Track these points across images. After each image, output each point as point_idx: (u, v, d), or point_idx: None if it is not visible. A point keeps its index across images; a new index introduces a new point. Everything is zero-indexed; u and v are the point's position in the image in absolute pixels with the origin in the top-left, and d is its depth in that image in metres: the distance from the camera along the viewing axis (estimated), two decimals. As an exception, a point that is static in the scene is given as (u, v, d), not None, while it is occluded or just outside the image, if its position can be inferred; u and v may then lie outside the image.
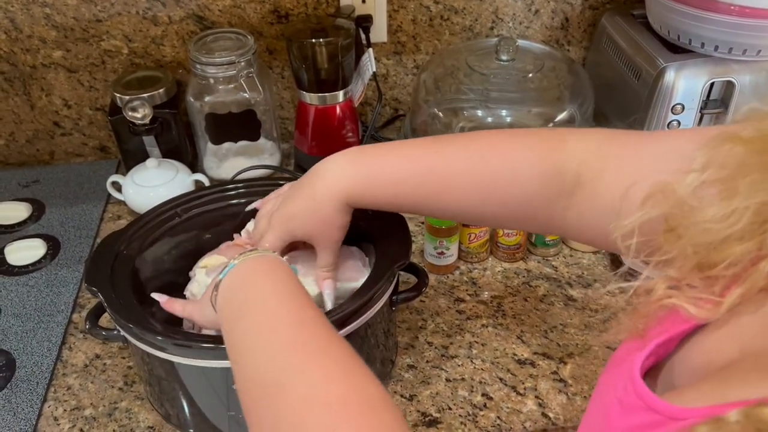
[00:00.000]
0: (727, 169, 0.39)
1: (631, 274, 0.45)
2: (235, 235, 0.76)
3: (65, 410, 0.74)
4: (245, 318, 0.50)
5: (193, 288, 0.75)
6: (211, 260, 0.74)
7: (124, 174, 1.02)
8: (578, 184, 0.55)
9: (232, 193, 0.77)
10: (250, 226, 0.75)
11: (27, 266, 0.93)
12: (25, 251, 0.94)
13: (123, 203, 1.02)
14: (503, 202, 0.58)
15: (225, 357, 0.59)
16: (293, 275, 0.54)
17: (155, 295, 0.66)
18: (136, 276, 0.69)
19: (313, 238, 0.65)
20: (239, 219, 0.78)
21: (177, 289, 0.77)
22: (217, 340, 0.62)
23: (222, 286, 0.54)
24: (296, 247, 0.71)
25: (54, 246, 0.96)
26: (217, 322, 0.55)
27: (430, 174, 0.60)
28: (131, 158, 1.04)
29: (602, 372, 0.47)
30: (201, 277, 0.74)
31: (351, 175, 0.61)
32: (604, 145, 0.55)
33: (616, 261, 0.90)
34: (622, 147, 0.54)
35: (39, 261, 0.93)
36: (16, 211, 1.02)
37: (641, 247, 0.43)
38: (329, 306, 0.66)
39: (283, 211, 0.65)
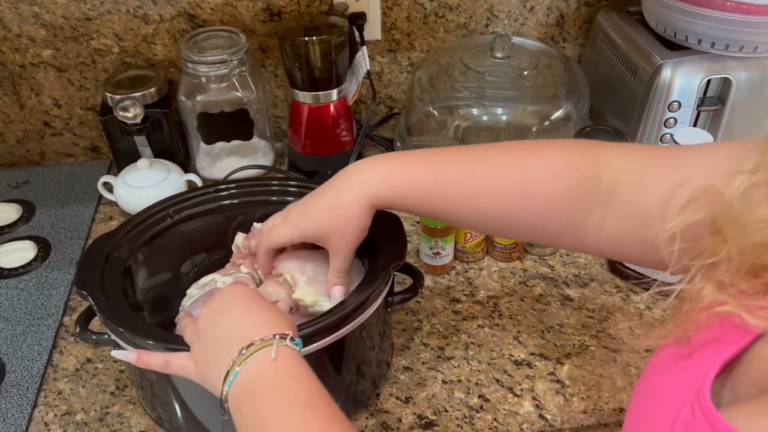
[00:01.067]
0: None
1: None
2: (238, 235, 0.75)
3: (56, 415, 0.73)
4: None
5: (183, 301, 0.75)
6: (205, 278, 0.74)
7: (116, 174, 1.01)
8: (614, 193, 0.54)
9: (225, 193, 0.76)
10: (238, 239, 0.75)
11: (17, 268, 0.91)
12: (15, 253, 0.93)
13: (114, 204, 1.01)
14: (539, 208, 0.57)
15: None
16: (297, 371, 0.50)
17: (116, 353, 0.60)
18: (127, 279, 0.68)
19: (329, 239, 0.62)
20: (234, 222, 0.77)
21: (168, 292, 0.76)
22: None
23: (231, 400, 0.49)
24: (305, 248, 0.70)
25: (44, 248, 0.95)
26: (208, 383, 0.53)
27: (468, 176, 0.58)
28: (123, 158, 1.03)
29: (644, 377, 0.46)
30: (191, 291, 0.74)
31: (382, 176, 0.59)
32: (644, 155, 0.55)
33: (612, 262, 0.90)
34: (662, 155, 0.54)
35: (29, 263, 0.92)
36: (5, 213, 1.00)
37: (685, 252, 0.43)
38: None
39: (303, 207, 0.63)
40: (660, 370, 0.43)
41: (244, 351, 0.49)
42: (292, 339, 0.51)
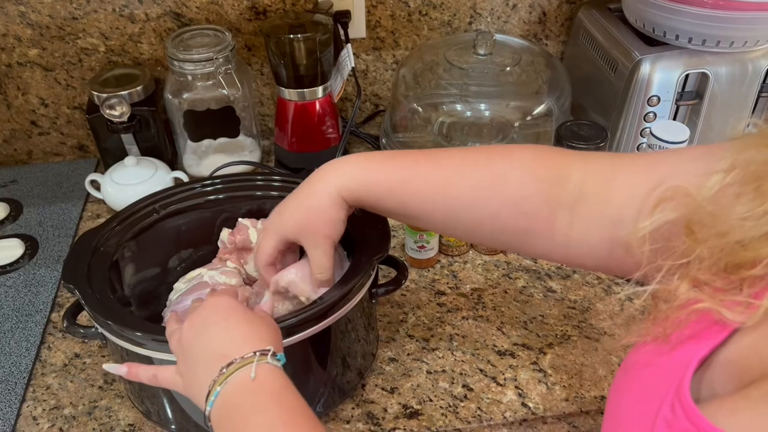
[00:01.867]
0: (754, 169, 0.39)
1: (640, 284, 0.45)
2: (223, 231, 0.76)
3: (44, 410, 0.74)
4: None
5: (170, 295, 0.76)
6: (192, 273, 0.75)
7: (103, 173, 1.01)
8: (583, 195, 0.54)
9: (210, 189, 0.77)
10: (224, 235, 0.75)
11: (5, 266, 0.92)
12: (2, 251, 0.94)
13: (102, 202, 1.02)
14: (506, 202, 0.57)
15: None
16: (278, 390, 0.50)
17: (107, 367, 0.61)
18: (114, 273, 0.69)
19: (304, 234, 0.62)
20: (220, 218, 0.78)
21: (156, 286, 0.77)
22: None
23: (213, 418, 0.50)
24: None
25: (32, 246, 0.95)
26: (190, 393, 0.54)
27: (436, 171, 0.59)
28: (110, 157, 1.04)
29: (623, 372, 0.46)
30: (178, 285, 0.75)
31: (352, 171, 0.60)
32: (613, 158, 0.56)
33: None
34: (632, 158, 0.55)
35: (17, 261, 0.93)
36: (-7, 212, 1.01)
37: (657, 252, 0.43)
38: None
39: (278, 209, 0.64)
40: (640, 365, 0.44)
41: (224, 370, 0.49)
42: (273, 354, 0.50)
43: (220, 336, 0.53)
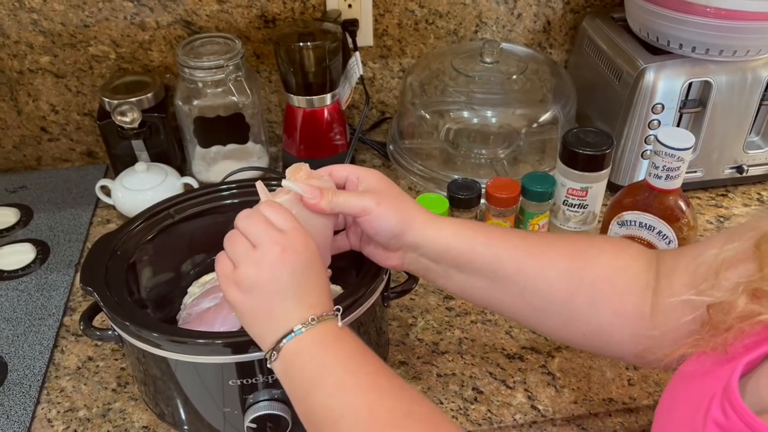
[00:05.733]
0: None
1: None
2: None
3: (59, 412, 0.74)
4: (322, 386, 0.51)
5: (185, 299, 0.77)
6: (206, 277, 0.76)
7: (113, 179, 1.02)
8: (659, 280, 0.56)
9: (225, 193, 0.78)
10: (193, 289, 0.77)
11: (17, 270, 0.92)
12: (14, 256, 0.94)
13: (112, 207, 1.03)
14: (597, 276, 0.57)
15: (220, 353, 0.61)
16: (357, 338, 0.55)
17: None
18: (131, 276, 0.70)
19: None
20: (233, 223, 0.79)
21: (170, 290, 0.78)
22: (212, 336, 0.63)
23: (287, 351, 0.53)
24: None
25: (43, 250, 0.96)
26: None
27: (529, 237, 0.62)
28: (120, 163, 1.05)
29: (675, 383, 0.47)
30: (192, 289, 0.76)
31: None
32: (671, 252, 0.59)
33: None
34: (690, 246, 0.58)
35: (29, 265, 0.93)
36: (3, 216, 1.02)
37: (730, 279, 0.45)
38: None
39: None
40: (696, 377, 0.44)
41: (313, 320, 0.53)
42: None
43: (304, 283, 0.54)
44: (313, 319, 0.53)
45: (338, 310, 0.56)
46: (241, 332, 0.60)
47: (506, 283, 0.59)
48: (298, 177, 0.60)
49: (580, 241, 0.61)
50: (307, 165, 0.61)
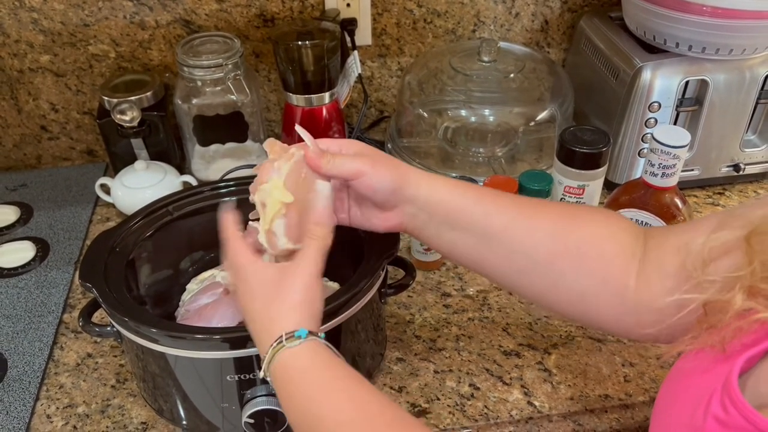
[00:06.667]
0: None
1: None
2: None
3: (58, 408, 0.75)
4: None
5: (183, 296, 0.77)
6: (204, 274, 0.77)
7: (112, 177, 1.03)
8: (646, 253, 0.56)
9: (224, 191, 0.78)
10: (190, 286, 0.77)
11: (16, 268, 0.93)
12: (14, 253, 0.95)
13: (112, 205, 1.03)
14: (583, 241, 0.57)
15: (218, 348, 0.61)
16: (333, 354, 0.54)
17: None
18: (130, 273, 0.70)
19: None
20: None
21: (168, 287, 0.78)
22: (210, 331, 0.63)
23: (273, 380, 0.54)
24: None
25: (43, 248, 0.96)
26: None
27: (517, 200, 0.62)
28: (119, 161, 1.05)
29: (672, 380, 0.47)
30: (191, 286, 0.77)
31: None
32: (666, 226, 0.60)
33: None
34: (684, 223, 0.59)
35: (28, 263, 0.94)
36: (3, 215, 1.02)
37: (711, 266, 0.45)
38: None
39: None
40: (696, 373, 0.44)
41: (273, 345, 0.53)
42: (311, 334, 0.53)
43: (260, 311, 0.55)
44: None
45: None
46: (239, 328, 0.60)
47: (493, 241, 0.59)
48: (275, 150, 0.61)
49: (571, 207, 0.62)
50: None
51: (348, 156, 0.60)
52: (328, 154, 0.59)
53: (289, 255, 0.59)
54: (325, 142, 0.62)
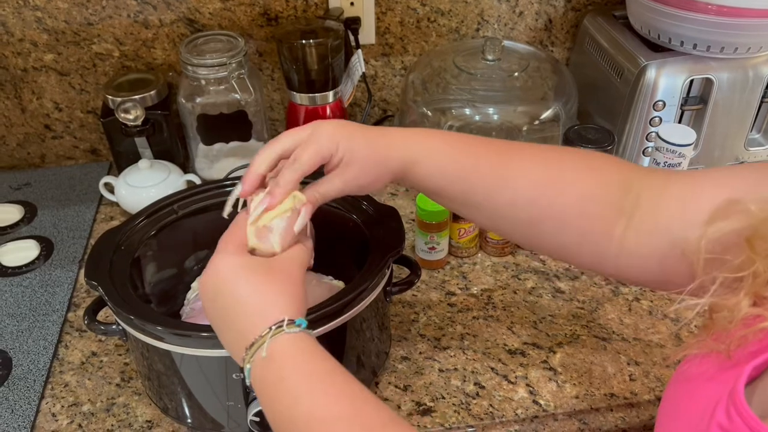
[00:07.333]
0: None
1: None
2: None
3: (63, 406, 0.75)
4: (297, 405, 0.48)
5: (188, 294, 0.77)
6: None
7: (116, 176, 1.03)
8: (638, 205, 0.55)
9: (229, 189, 0.78)
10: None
11: (21, 267, 0.93)
12: (18, 252, 0.95)
13: (116, 204, 1.03)
14: (573, 198, 0.56)
15: (223, 346, 0.61)
16: (294, 355, 0.51)
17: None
18: (135, 271, 0.70)
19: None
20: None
21: (173, 286, 0.78)
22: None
23: (255, 388, 0.51)
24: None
25: (47, 247, 0.96)
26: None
27: (505, 157, 0.59)
28: (123, 160, 1.05)
29: (677, 385, 0.47)
30: (195, 285, 0.77)
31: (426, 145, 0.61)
32: (668, 173, 0.57)
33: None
34: (685, 174, 0.56)
35: (32, 262, 0.94)
36: (7, 213, 1.02)
37: (711, 264, 0.44)
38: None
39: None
40: (702, 379, 0.43)
41: (248, 350, 0.50)
42: (291, 322, 0.50)
43: (233, 309, 0.52)
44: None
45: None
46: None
47: (477, 208, 0.61)
48: (256, 200, 0.59)
49: (556, 162, 0.59)
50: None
51: (324, 183, 0.59)
52: (310, 193, 0.58)
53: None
54: (310, 158, 0.58)
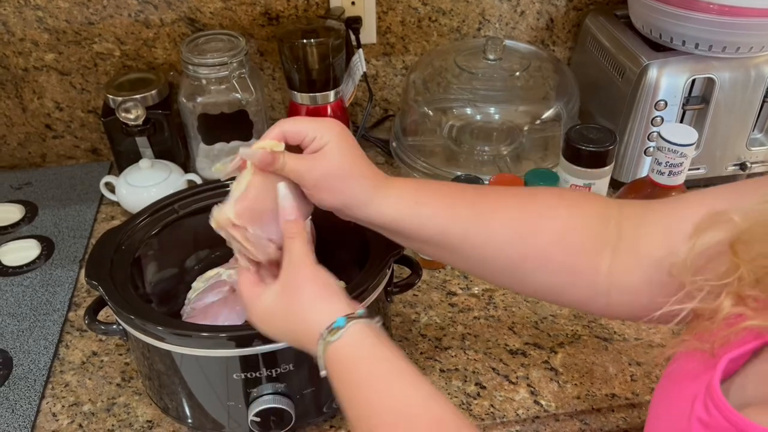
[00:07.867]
0: None
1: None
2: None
3: (63, 406, 0.75)
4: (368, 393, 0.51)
5: (189, 294, 0.77)
6: (210, 272, 0.76)
7: (117, 175, 1.03)
8: (620, 236, 0.54)
9: (229, 189, 0.78)
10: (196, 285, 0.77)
11: (21, 266, 0.93)
12: (19, 252, 0.95)
13: (116, 204, 1.03)
14: (553, 234, 0.56)
15: (224, 346, 0.61)
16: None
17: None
18: (135, 271, 0.70)
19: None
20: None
21: (174, 285, 0.78)
22: (216, 329, 0.63)
23: (335, 349, 0.52)
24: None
25: (48, 246, 0.96)
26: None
27: (480, 199, 0.58)
28: (124, 159, 1.05)
29: (664, 383, 0.47)
30: (196, 284, 0.77)
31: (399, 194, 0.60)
32: (643, 203, 0.56)
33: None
34: (661, 201, 0.55)
35: (33, 261, 0.94)
36: (8, 213, 1.02)
37: (701, 274, 0.44)
38: None
39: None
40: (689, 378, 0.44)
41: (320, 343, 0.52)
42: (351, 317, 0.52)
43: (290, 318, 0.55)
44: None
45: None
46: (245, 326, 0.60)
47: (453, 250, 0.59)
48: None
49: (531, 202, 0.58)
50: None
51: (301, 162, 0.58)
52: (278, 162, 0.58)
53: (275, 264, 0.59)
54: (303, 126, 0.58)
